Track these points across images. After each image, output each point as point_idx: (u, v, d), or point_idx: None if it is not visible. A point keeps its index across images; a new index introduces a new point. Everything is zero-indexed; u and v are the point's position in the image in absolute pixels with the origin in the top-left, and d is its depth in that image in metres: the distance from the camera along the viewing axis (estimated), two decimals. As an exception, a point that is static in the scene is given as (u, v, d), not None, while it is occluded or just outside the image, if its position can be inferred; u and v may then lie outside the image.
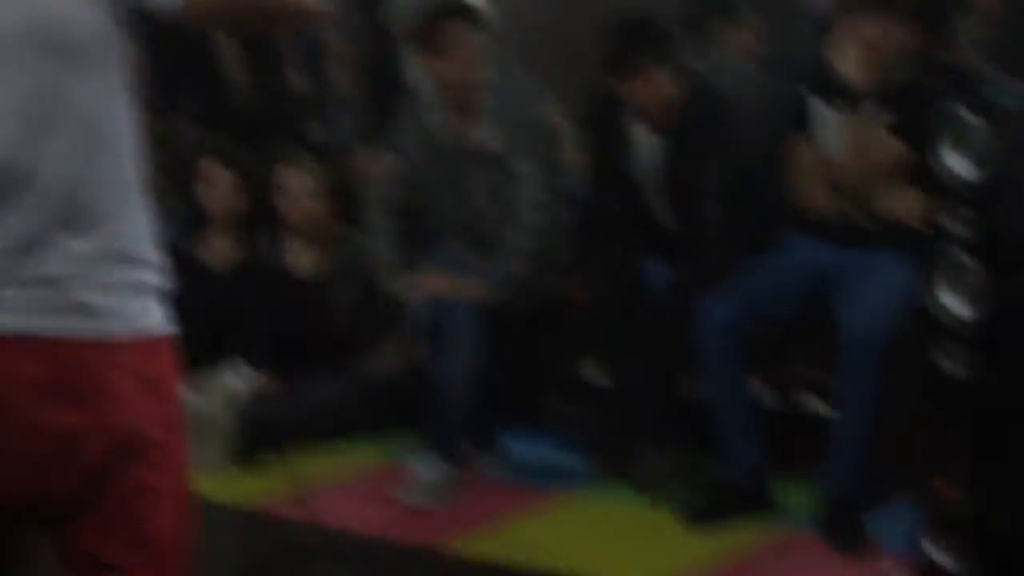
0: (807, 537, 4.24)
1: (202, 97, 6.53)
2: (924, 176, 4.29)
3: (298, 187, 5.42)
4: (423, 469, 4.61)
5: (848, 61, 4.39)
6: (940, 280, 3.68)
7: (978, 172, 3.58)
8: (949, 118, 3.61)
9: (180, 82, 6.49)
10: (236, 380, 4.93)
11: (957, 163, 3.63)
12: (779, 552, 4.21)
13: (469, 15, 4.69)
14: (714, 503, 4.40)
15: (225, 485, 4.63)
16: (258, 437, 4.89)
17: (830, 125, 4.45)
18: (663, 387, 4.62)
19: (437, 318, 4.71)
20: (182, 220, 5.72)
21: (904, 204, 4.34)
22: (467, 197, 4.82)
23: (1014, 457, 3.65)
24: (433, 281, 4.81)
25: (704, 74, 4.81)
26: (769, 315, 4.41)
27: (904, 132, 4.31)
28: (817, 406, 4.84)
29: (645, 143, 4.71)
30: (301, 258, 5.47)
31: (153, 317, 2.14)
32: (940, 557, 3.71)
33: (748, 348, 4.38)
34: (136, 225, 2.12)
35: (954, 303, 3.67)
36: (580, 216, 4.86)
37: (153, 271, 2.14)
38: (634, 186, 4.76)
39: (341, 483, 4.80)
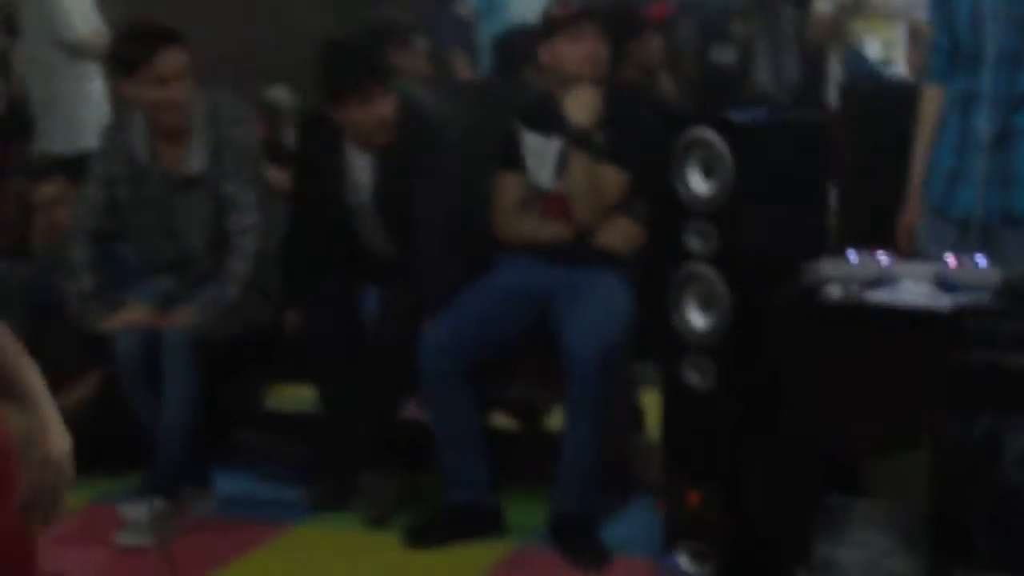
0: (539, 552, 4.29)
1: None
2: (639, 200, 4.47)
3: None
4: (137, 509, 4.40)
5: (567, 96, 4.47)
6: (683, 295, 3.82)
7: (719, 189, 3.73)
8: (692, 139, 3.75)
9: None
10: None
11: (699, 182, 3.77)
12: (510, 569, 4.25)
13: (176, 38, 4.53)
14: (441, 526, 4.40)
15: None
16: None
17: (544, 154, 4.53)
18: (382, 414, 4.57)
19: (147, 353, 4.52)
20: None
21: (620, 230, 4.47)
22: (175, 225, 4.63)
23: (756, 463, 3.82)
24: (138, 314, 4.61)
25: (415, 97, 4.79)
26: (489, 337, 4.44)
27: (619, 156, 4.45)
28: (541, 423, 4.92)
29: (360, 168, 4.64)
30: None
31: None
32: (685, 562, 3.85)
33: (470, 371, 4.40)
34: None
35: (697, 317, 3.81)
36: (292, 242, 4.75)
37: None
38: (349, 212, 4.70)
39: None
